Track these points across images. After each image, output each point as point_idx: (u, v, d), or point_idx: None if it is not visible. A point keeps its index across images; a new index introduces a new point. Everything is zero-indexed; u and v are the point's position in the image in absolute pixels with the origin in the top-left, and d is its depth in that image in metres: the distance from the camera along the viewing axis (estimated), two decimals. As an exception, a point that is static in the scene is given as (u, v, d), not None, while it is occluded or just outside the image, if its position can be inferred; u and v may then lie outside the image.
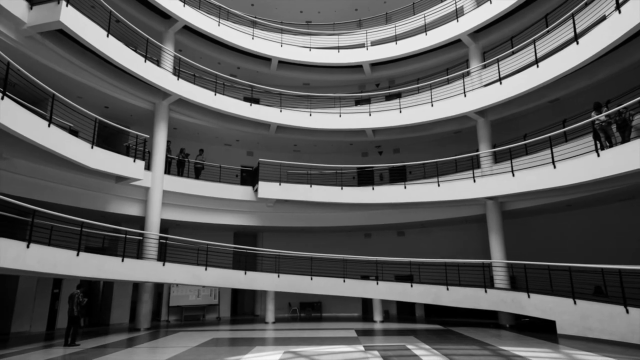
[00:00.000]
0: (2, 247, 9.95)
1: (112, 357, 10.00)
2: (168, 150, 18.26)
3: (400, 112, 19.57)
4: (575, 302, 12.35)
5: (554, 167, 13.41)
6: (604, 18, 12.43)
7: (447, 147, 20.61)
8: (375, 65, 22.48)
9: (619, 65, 13.76)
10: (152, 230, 16.37)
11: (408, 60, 21.76)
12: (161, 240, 16.31)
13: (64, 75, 14.45)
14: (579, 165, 12.60)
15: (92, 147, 13.08)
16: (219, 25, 19.93)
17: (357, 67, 22.69)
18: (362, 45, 22.47)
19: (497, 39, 18.89)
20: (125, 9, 17.01)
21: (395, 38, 21.50)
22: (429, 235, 21.62)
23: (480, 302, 15.29)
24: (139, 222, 17.39)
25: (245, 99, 20.39)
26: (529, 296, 13.84)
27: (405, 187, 17.96)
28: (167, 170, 17.96)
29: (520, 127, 18.12)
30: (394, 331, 14.78)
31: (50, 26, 12.42)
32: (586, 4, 13.99)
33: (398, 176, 20.92)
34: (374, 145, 23.04)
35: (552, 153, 13.59)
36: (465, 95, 17.71)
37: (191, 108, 18.78)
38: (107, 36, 14.26)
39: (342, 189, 18.94)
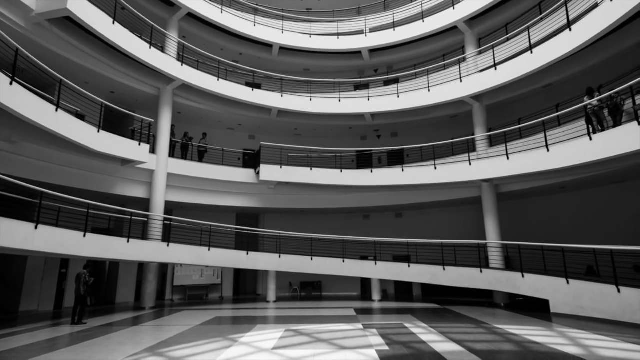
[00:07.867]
0: (11, 228, 10.08)
1: (118, 335, 10.15)
2: (172, 134, 18.55)
3: (398, 97, 19.83)
4: (568, 282, 12.61)
5: (548, 150, 13.67)
6: (596, 5, 12.61)
7: (443, 131, 20.88)
8: (373, 51, 22.68)
9: (611, 51, 13.98)
10: (157, 211, 16.71)
11: (406, 46, 21.96)
12: (165, 222, 16.67)
13: (71, 61, 14.68)
14: (572, 149, 12.83)
15: (98, 131, 13.36)
16: (221, 12, 20.12)
17: (356, 53, 22.86)
18: (361, 32, 22.67)
19: (492, 26, 19.06)
20: (130, -3, 17.22)
21: (393, 25, 21.67)
22: (426, 217, 21.96)
23: (475, 282, 15.55)
24: (144, 204, 17.73)
25: (247, 84, 20.67)
26: (523, 276, 14.10)
27: (402, 170, 18.20)
28: (171, 154, 18.26)
29: (515, 112, 18.40)
30: (392, 310, 15.00)
31: (57, 13, 12.65)
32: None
33: (396, 159, 21.25)
34: (373, 129, 23.28)
35: (545, 137, 13.85)
36: (461, 81, 17.95)
37: (195, 93, 19.07)
38: (113, 23, 14.51)
39: (341, 171, 19.20)
